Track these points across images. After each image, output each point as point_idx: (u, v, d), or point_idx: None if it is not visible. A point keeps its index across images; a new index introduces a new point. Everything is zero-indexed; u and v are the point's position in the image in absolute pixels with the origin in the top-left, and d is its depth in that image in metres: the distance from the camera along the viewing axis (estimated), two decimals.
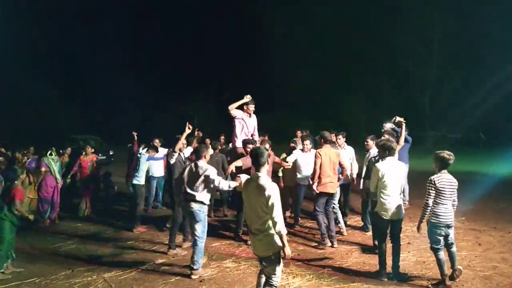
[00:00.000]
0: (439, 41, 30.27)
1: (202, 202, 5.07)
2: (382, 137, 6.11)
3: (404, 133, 6.52)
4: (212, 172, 5.08)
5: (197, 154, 5.23)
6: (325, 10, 32.99)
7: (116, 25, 34.65)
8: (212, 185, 5.04)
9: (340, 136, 7.43)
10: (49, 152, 8.06)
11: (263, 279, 3.81)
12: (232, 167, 6.03)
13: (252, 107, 6.79)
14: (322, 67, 32.29)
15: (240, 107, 6.71)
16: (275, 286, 3.67)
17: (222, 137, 9.34)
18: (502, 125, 26.33)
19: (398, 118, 6.62)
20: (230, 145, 7.57)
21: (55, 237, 6.90)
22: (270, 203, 3.50)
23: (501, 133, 26.06)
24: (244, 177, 4.24)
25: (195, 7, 38.87)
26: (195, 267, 4.97)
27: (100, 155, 9.24)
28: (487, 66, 26.62)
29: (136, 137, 8.63)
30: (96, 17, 34.97)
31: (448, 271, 4.67)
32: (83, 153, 8.90)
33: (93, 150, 9.05)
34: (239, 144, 6.67)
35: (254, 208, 3.62)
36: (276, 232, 3.53)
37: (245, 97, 6.70)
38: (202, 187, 5.06)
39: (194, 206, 5.05)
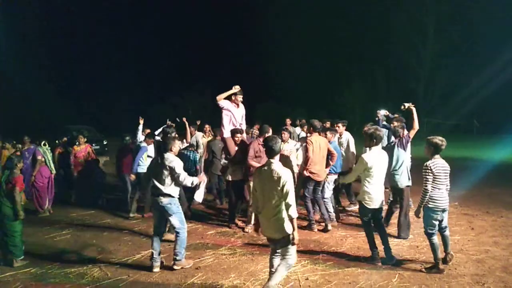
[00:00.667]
0: (434, 28, 30.19)
1: (170, 195, 4.90)
2: (392, 124, 6.50)
3: (416, 117, 6.46)
4: (177, 165, 4.88)
5: (164, 147, 5.01)
6: (321, 3, 32.74)
7: (112, 18, 34.26)
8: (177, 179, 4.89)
9: (340, 124, 7.50)
10: (43, 142, 8.04)
11: (276, 261, 4.00)
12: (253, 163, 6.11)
13: (240, 98, 6.74)
14: (317, 58, 32.19)
15: (228, 98, 6.68)
16: (292, 265, 3.93)
17: (207, 127, 9.26)
18: (496, 112, 26.51)
19: (407, 105, 6.63)
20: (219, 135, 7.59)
21: (50, 227, 6.89)
22: (285, 188, 3.70)
23: (494, 120, 26.27)
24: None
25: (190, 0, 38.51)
26: (177, 257, 4.90)
27: (93, 145, 9.16)
28: (482, 54, 26.65)
29: (141, 122, 8.28)
30: (92, 10, 34.56)
31: (441, 254, 4.73)
32: (76, 143, 8.84)
33: (85, 140, 8.99)
34: (227, 134, 6.64)
35: (268, 193, 3.81)
36: (288, 215, 3.73)
37: (233, 88, 6.66)
38: (169, 180, 4.89)
39: (164, 200, 4.88)
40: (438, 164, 4.67)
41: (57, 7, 32.05)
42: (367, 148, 5.03)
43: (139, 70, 32.90)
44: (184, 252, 4.98)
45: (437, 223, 4.68)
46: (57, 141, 9.36)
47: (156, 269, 4.88)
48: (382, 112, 7.75)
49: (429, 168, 4.63)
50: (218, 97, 6.57)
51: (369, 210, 4.89)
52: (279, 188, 3.71)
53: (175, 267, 4.89)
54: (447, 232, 4.84)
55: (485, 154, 15.81)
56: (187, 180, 4.93)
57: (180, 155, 6.27)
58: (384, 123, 7.68)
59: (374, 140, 4.88)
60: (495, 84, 24.20)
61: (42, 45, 28.57)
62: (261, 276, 4.65)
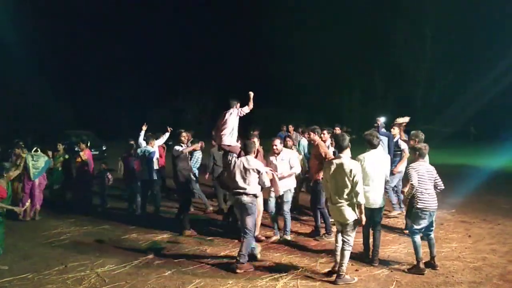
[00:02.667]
0: (432, 36, 30.43)
1: (254, 195, 5.19)
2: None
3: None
4: (260, 166, 5.28)
5: (246, 150, 5.32)
6: (319, 7, 32.98)
7: (111, 21, 34.35)
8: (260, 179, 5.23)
9: (325, 132, 7.53)
10: (35, 148, 7.99)
11: (340, 237, 4.75)
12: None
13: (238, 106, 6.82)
14: (316, 62, 32.34)
15: (230, 105, 6.71)
16: (350, 243, 4.62)
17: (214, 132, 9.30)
18: (493, 119, 26.66)
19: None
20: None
21: (48, 232, 6.87)
22: (355, 179, 4.46)
23: (491, 127, 26.40)
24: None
25: (191, 3, 38.68)
26: (241, 260, 4.98)
27: (93, 150, 9.15)
28: (479, 61, 26.86)
29: (144, 128, 8.24)
30: (92, 14, 34.66)
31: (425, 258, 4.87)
32: (76, 148, 8.86)
33: (86, 146, 8.98)
34: (233, 142, 6.65)
35: (340, 184, 4.54)
36: (356, 202, 4.50)
37: (250, 94, 6.68)
38: (252, 180, 5.15)
39: (246, 199, 5.11)
40: (421, 166, 4.93)
41: (57, 10, 32.17)
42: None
43: (138, 74, 32.94)
44: (247, 256, 5.09)
45: (423, 224, 4.84)
46: (64, 147, 9.31)
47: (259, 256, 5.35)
48: (382, 120, 7.84)
49: (412, 167, 4.92)
50: (251, 106, 6.63)
51: (366, 209, 4.92)
52: (351, 178, 4.44)
53: (237, 270, 4.94)
54: (432, 236, 5.00)
55: (482, 161, 15.85)
56: (266, 180, 5.30)
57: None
58: (383, 130, 7.75)
59: (369, 144, 5.12)
60: (492, 91, 24.38)
61: (41, 49, 28.56)
62: (259, 282, 4.65)
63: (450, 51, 28.58)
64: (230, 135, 6.62)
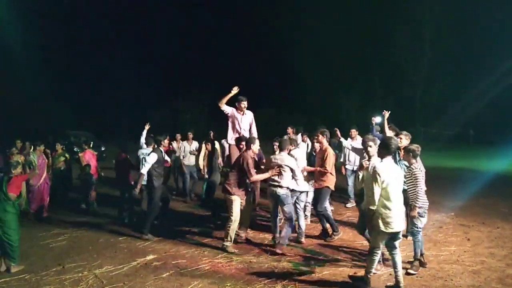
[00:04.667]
0: (431, 38, 30.47)
1: (287, 188, 5.77)
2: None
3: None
4: (292, 162, 5.83)
5: (280, 146, 6.00)
6: (319, 9, 33.07)
7: (111, 21, 34.35)
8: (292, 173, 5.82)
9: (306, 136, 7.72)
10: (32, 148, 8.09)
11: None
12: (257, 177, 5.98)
13: (243, 104, 6.67)
14: (315, 65, 32.37)
15: (233, 104, 6.66)
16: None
17: (211, 134, 9.32)
18: (492, 122, 26.67)
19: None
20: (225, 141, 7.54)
21: (46, 233, 6.85)
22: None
23: (490, 130, 26.40)
24: None
25: (191, 3, 38.69)
26: (281, 241, 5.68)
27: (92, 150, 9.17)
28: (479, 63, 26.89)
29: (147, 127, 8.14)
30: (91, 14, 34.67)
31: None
32: (75, 148, 8.87)
33: (86, 147, 8.99)
34: (230, 141, 6.63)
35: (399, 187, 4.38)
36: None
37: (232, 90, 6.58)
38: (286, 174, 5.72)
39: (280, 191, 5.72)
40: (420, 166, 5.04)
41: (57, 10, 32.18)
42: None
43: (137, 74, 32.95)
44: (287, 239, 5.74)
45: (424, 222, 5.00)
46: (62, 147, 9.32)
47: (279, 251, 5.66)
48: (377, 120, 7.76)
49: (417, 168, 4.92)
50: (219, 103, 6.53)
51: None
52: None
53: (277, 250, 5.61)
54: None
55: (481, 165, 15.87)
56: (300, 175, 5.98)
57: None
58: (377, 133, 7.68)
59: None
60: (491, 94, 24.42)
61: (40, 49, 28.53)
62: (257, 284, 4.64)
63: (450, 52, 28.62)
64: (230, 134, 6.71)
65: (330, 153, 6.21)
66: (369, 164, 4.80)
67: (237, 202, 5.81)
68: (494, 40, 26.22)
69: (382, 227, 4.26)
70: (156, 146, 6.85)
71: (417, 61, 30.68)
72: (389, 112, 6.96)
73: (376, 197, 4.24)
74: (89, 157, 8.79)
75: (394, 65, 30.78)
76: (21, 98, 26.48)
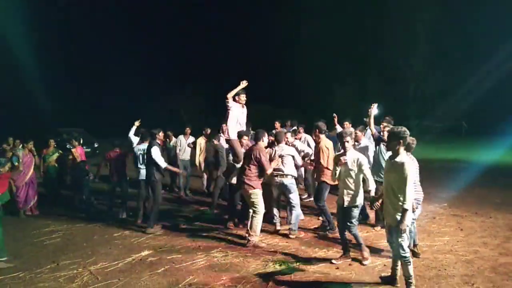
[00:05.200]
0: (425, 31, 30.52)
1: (291, 175, 6.19)
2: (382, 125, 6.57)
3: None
4: (292, 151, 6.27)
5: (277, 139, 6.34)
6: (312, 4, 32.92)
7: (105, 19, 33.97)
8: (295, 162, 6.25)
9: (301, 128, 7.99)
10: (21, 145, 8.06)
11: None
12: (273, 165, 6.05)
13: (243, 98, 6.68)
14: (308, 59, 32.29)
15: (233, 98, 6.64)
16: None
17: (208, 130, 9.31)
18: (485, 114, 26.85)
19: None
20: (222, 136, 7.50)
21: (40, 230, 6.81)
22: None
23: (483, 122, 26.61)
24: None
25: (185, 2, 38.41)
26: (293, 228, 6.11)
27: (85, 147, 9.11)
28: (471, 57, 27.02)
29: (137, 124, 8.17)
30: (85, 10, 34.28)
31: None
32: (67, 145, 8.82)
33: (77, 143, 8.90)
34: (233, 135, 6.59)
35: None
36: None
37: (241, 83, 6.54)
38: (287, 164, 6.15)
39: (287, 181, 6.15)
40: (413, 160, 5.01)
41: (50, 6, 31.76)
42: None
43: (131, 71, 32.67)
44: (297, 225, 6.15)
45: (418, 213, 5.03)
46: (55, 145, 9.26)
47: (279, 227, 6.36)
48: (375, 111, 7.74)
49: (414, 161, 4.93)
50: (229, 95, 6.43)
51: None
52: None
53: (291, 236, 6.05)
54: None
55: (474, 156, 16.00)
56: (298, 160, 6.38)
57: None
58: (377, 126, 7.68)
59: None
60: (485, 86, 24.55)
61: (32, 44, 28.17)
62: (252, 278, 4.65)
63: (442, 46, 28.75)
64: (232, 128, 6.58)
65: (324, 148, 6.17)
66: (346, 160, 4.86)
67: (260, 194, 5.85)
68: (487, 33, 26.32)
69: (410, 227, 4.39)
70: (151, 139, 6.81)
71: (410, 54, 30.73)
72: (377, 104, 6.87)
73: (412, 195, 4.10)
74: (81, 152, 8.73)
75: (387, 59, 30.81)
76: (14, 94, 26.17)
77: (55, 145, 9.26)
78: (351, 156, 4.94)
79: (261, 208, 5.80)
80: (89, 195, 8.50)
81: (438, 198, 8.45)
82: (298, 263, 5.07)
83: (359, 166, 4.89)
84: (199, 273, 4.84)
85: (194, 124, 12.46)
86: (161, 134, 7.29)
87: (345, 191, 4.95)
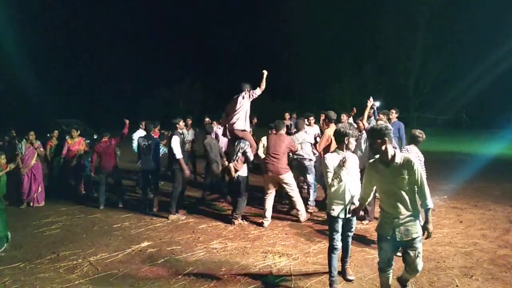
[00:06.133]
0: (424, 24, 30.32)
1: (309, 159, 6.98)
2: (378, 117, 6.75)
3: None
4: (308, 137, 7.05)
5: (297, 127, 7.16)
6: None
7: (102, 13, 33.78)
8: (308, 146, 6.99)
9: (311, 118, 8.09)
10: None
11: None
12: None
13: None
14: (308, 51, 32.18)
15: (233, 93, 6.67)
16: None
17: (207, 119, 9.32)
18: (485, 107, 26.81)
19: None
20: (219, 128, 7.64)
21: (40, 221, 6.81)
22: None
23: (483, 114, 26.58)
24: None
25: None
26: (312, 204, 7.06)
27: (83, 139, 9.08)
28: (471, 49, 26.86)
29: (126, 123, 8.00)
30: (83, 7, 34.06)
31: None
32: (67, 136, 8.77)
33: (78, 133, 8.89)
34: (247, 127, 6.56)
35: None
36: None
37: (263, 73, 6.58)
38: (305, 148, 6.95)
39: (307, 163, 6.96)
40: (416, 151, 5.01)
41: (52, 2, 31.58)
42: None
43: (128, 63, 32.53)
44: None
45: None
46: (48, 135, 9.28)
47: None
48: (377, 105, 7.81)
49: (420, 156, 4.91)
50: (263, 87, 6.58)
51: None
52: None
53: (310, 209, 6.92)
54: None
55: (474, 148, 15.99)
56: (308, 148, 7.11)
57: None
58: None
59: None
60: (484, 79, 24.48)
61: (29, 39, 27.99)
62: (252, 270, 4.66)
63: (442, 38, 28.58)
64: (244, 120, 6.55)
65: (326, 135, 6.59)
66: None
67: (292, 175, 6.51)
68: (487, 25, 26.14)
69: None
70: (172, 129, 7.08)
71: (409, 47, 30.57)
72: (372, 99, 6.96)
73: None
74: (79, 144, 8.70)
75: (387, 51, 30.65)
76: (14, 88, 26.12)
77: (57, 137, 9.24)
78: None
79: (295, 186, 6.51)
80: (88, 186, 8.53)
81: (437, 191, 8.46)
82: (297, 255, 5.08)
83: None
84: (199, 265, 4.85)
85: (192, 114, 12.44)
86: (181, 123, 7.25)
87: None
